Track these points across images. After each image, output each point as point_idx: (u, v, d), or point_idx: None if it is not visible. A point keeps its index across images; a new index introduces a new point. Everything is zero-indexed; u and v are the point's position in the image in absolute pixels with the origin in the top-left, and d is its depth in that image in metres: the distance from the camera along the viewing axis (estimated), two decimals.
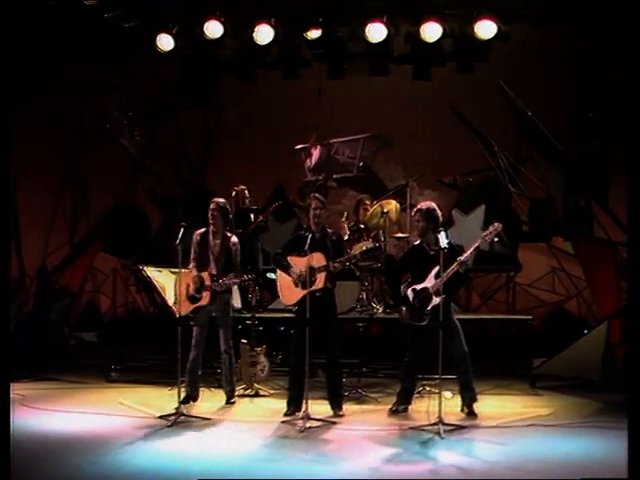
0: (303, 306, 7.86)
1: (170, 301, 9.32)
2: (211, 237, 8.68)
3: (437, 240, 7.89)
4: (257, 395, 9.21)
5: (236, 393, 9.00)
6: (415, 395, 8.61)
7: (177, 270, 8.55)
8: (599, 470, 6.28)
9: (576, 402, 8.90)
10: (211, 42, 10.93)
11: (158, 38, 10.94)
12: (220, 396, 8.99)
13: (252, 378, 9.29)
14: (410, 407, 8.42)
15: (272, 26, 10.74)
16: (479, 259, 10.71)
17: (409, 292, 8.08)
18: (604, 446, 7.07)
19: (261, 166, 12.46)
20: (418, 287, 8.05)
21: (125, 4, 10.64)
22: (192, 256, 8.66)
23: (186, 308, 8.56)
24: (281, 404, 8.42)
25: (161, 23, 10.96)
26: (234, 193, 10.55)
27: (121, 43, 11.22)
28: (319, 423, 7.80)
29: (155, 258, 10.96)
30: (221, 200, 8.75)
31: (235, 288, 10.88)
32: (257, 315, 9.86)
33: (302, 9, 10.70)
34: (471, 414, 8.14)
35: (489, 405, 8.63)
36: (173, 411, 8.00)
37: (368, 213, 10.79)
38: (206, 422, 7.98)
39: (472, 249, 7.95)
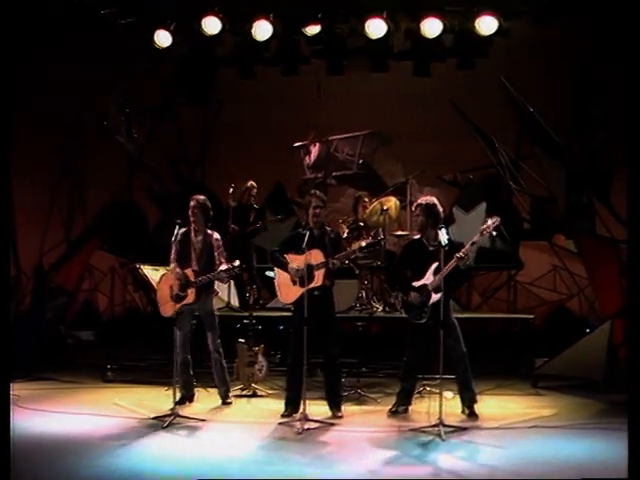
0: (301, 305, 7.64)
1: None
2: (193, 235, 8.46)
3: (437, 236, 7.70)
4: (255, 395, 8.99)
5: (233, 393, 8.82)
6: (415, 395, 8.40)
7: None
8: (603, 472, 6.09)
9: (579, 402, 8.70)
10: (209, 38, 10.78)
11: (156, 34, 10.78)
12: (217, 396, 8.76)
13: (250, 378, 9.06)
14: (410, 408, 8.20)
15: (270, 22, 10.58)
16: (480, 257, 10.54)
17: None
18: (608, 448, 6.86)
19: (260, 163, 12.30)
20: (417, 284, 7.82)
21: (122, 0, 10.49)
22: (172, 256, 8.44)
23: (172, 308, 8.34)
24: (279, 404, 8.20)
25: (158, 19, 10.80)
26: (231, 190, 10.36)
27: (118, 40, 11.05)
28: (317, 424, 7.59)
29: (152, 256, 10.73)
30: (201, 197, 8.55)
31: (233, 287, 10.79)
32: (255, 314, 9.64)
33: (301, 5, 10.57)
34: (472, 415, 7.92)
35: (490, 406, 8.41)
36: (168, 412, 7.79)
37: (367, 210, 10.56)
38: (202, 423, 7.76)
39: (470, 243, 7.75)
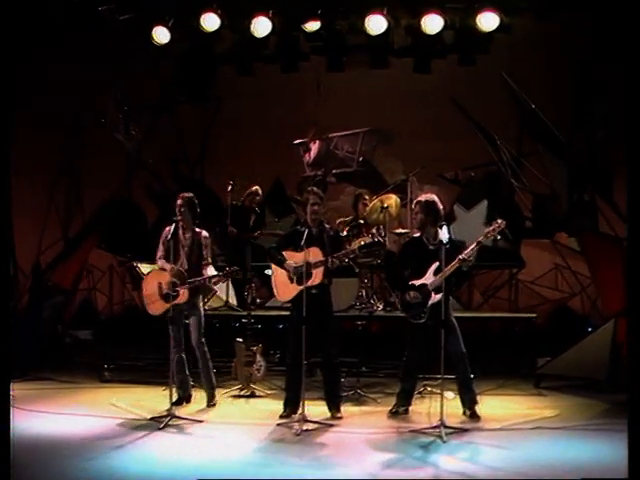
0: (299, 304, 7.46)
1: None
2: (181, 232, 8.23)
3: (437, 234, 7.54)
4: (253, 396, 8.78)
5: (230, 394, 8.69)
6: (416, 396, 8.20)
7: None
8: (607, 475, 5.91)
9: (582, 403, 8.50)
10: (208, 35, 10.66)
11: (154, 31, 10.67)
12: (216, 396, 8.59)
13: (248, 378, 8.85)
14: (410, 408, 8.00)
15: (270, 18, 10.47)
16: (481, 255, 10.31)
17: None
18: (612, 450, 6.65)
19: (259, 161, 12.11)
20: (416, 283, 7.61)
21: None
22: (159, 254, 8.26)
23: (161, 307, 8.16)
24: (278, 405, 8.01)
25: (157, 16, 10.68)
26: (229, 187, 10.18)
27: (116, 38, 10.90)
28: (316, 426, 7.40)
29: (151, 254, 10.50)
30: (188, 194, 8.33)
31: (231, 286, 10.59)
32: (254, 313, 9.45)
33: (300, 1, 10.44)
34: (473, 416, 7.71)
35: (492, 406, 8.21)
36: (165, 413, 7.63)
37: (368, 208, 10.33)
38: (199, 424, 7.57)
39: (474, 246, 7.54)
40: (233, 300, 10.53)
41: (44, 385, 9.36)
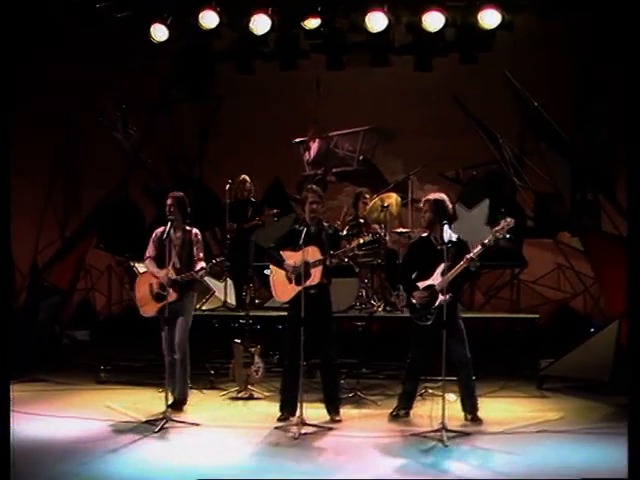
0: (297, 304, 7.19)
1: None
2: (172, 232, 7.95)
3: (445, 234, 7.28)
4: (251, 398, 8.51)
5: (228, 396, 8.43)
6: (417, 398, 7.92)
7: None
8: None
9: (586, 405, 8.24)
10: (206, 32, 10.49)
11: (152, 29, 10.49)
12: (213, 398, 8.44)
13: (246, 380, 8.59)
14: (412, 411, 7.71)
15: (269, 15, 10.29)
16: (483, 255, 10.06)
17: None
18: (616, 454, 6.36)
19: (259, 159, 11.85)
20: (423, 284, 7.33)
21: None
22: (148, 254, 8.02)
23: (153, 308, 7.93)
24: (276, 407, 7.72)
25: (155, 13, 10.49)
26: (228, 186, 9.94)
27: (114, 35, 10.70)
28: (314, 429, 7.14)
29: None
30: (177, 193, 8.07)
31: (230, 286, 10.35)
32: (253, 314, 9.21)
33: None
34: (475, 420, 7.45)
35: (495, 408, 7.96)
36: (161, 416, 7.36)
37: (368, 207, 10.07)
38: (195, 428, 7.32)
39: (482, 245, 7.26)
40: (232, 300, 10.26)
41: (39, 387, 9.10)
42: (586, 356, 8.81)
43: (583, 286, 11.52)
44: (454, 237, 7.35)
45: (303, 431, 7.00)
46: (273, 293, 7.80)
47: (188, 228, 8.02)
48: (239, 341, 8.71)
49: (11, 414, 7.21)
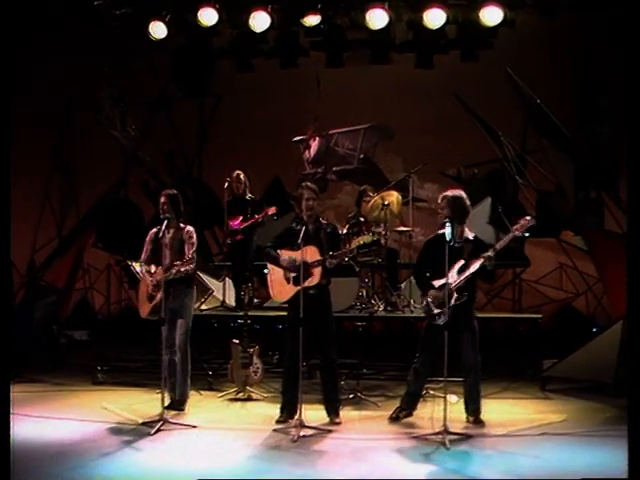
0: (296, 304, 6.97)
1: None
2: (166, 230, 7.71)
3: (463, 232, 7.10)
4: (250, 399, 8.29)
5: (226, 397, 8.23)
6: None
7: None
8: None
9: (589, 407, 8.00)
10: (205, 30, 10.39)
11: (151, 26, 10.39)
12: (211, 399, 8.21)
13: (244, 381, 8.37)
14: (414, 413, 7.48)
15: (268, 13, 10.19)
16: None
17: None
18: (621, 457, 6.11)
19: (258, 158, 11.67)
20: (439, 282, 7.07)
21: None
22: (142, 256, 7.84)
23: (147, 308, 7.74)
24: (275, 409, 7.50)
25: (154, 10, 10.39)
26: (226, 185, 9.74)
27: (113, 33, 10.53)
28: (313, 431, 6.92)
29: None
30: (171, 191, 7.87)
31: (229, 285, 10.13)
32: (253, 314, 9.01)
33: None
34: (478, 422, 7.22)
35: (497, 410, 7.73)
36: (157, 417, 7.14)
37: (368, 205, 9.82)
38: (192, 430, 7.09)
39: (502, 243, 7.05)
40: (231, 300, 10.04)
41: (35, 387, 8.85)
42: (590, 357, 8.58)
43: (586, 286, 11.36)
44: (470, 235, 7.15)
45: (302, 433, 6.78)
46: (270, 293, 7.59)
47: (182, 225, 7.81)
48: (237, 341, 8.49)
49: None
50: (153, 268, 7.74)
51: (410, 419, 7.39)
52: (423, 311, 7.27)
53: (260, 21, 10.15)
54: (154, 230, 7.78)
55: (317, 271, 7.14)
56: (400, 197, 9.94)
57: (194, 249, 7.70)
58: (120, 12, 10.40)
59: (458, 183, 11.54)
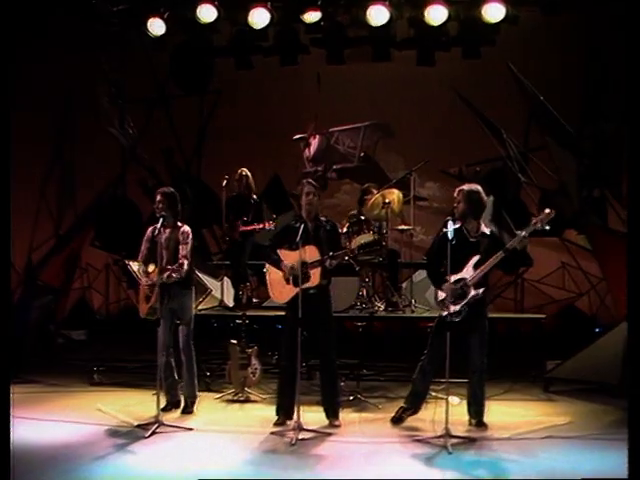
0: (295, 304, 6.70)
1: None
2: (162, 230, 7.49)
3: (479, 226, 6.87)
4: (248, 401, 8.01)
5: (223, 398, 7.98)
6: None
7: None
8: None
9: (594, 409, 7.73)
10: (204, 26, 10.22)
11: (149, 22, 10.21)
12: (208, 401, 7.91)
13: (242, 382, 8.10)
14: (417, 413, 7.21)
15: (268, 9, 10.01)
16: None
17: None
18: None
19: (258, 156, 11.37)
20: (454, 277, 6.75)
21: None
22: (140, 255, 7.58)
23: (144, 310, 7.50)
24: (273, 411, 7.21)
25: (152, 7, 10.22)
26: (225, 182, 9.48)
27: (110, 28, 10.32)
28: (312, 434, 6.66)
29: None
30: (167, 189, 7.61)
31: (228, 285, 9.88)
32: (252, 313, 8.75)
33: None
34: (480, 425, 6.95)
35: (500, 412, 7.47)
36: (152, 420, 6.89)
37: (369, 203, 9.53)
38: (187, 432, 6.84)
39: (521, 236, 6.81)
40: (229, 300, 9.78)
41: (31, 388, 8.55)
42: (594, 358, 8.31)
43: (588, 285, 11.14)
44: (487, 230, 6.91)
45: (300, 436, 6.53)
46: (270, 293, 7.32)
47: (179, 224, 7.56)
48: (235, 342, 8.23)
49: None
50: (151, 267, 7.49)
51: (411, 422, 7.11)
52: (438, 307, 6.98)
53: (259, 18, 9.98)
54: (151, 228, 7.52)
55: (317, 271, 6.88)
56: (401, 195, 9.66)
57: (187, 250, 7.43)
58: (118, 9, 10.24)
59: (459, 182, 11.31)
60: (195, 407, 7.57)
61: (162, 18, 10.13)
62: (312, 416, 7.01)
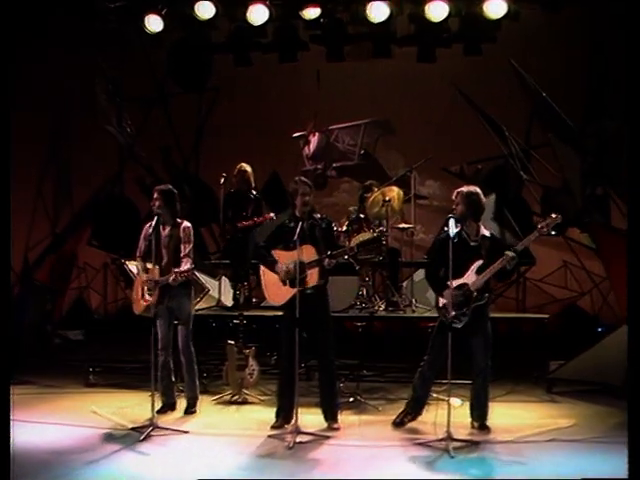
0: (292, 304, 6.46)
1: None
2: (161, 228, 7.26)
3: (479, 229, 6.60)
4: (245, 402, 7.75)
5: (220, 400, 7.74)
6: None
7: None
8: None
9: (599, 411, 7.47)
10: (203, 23, 10.09)
11: (146, 19, 10.07)
12: (205, 403, 7.64)
13: (240, 383, 7.85)
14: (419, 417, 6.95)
15: (266, 5, 9.88)
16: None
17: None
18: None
19: (257, 154, 11.02)
20: (456, 282, 6.49)
21: None
22: (138, 252, 7.34)
23: (140, 307, 7.26)
24: (271, 413, 6.97)
25: (150, 3, 10.08)
26: (222, 180, 9.25)
27: (108, 25, 10.12)
28: (310, 438, 6.41)
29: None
30: (164, 187, 7.37)
31: (226, 284, 9.65)
32: (250, 313, 8.53)
33: None
34: (483, 427, 6.70)
35: (503, 414, 7.20)
36: (147, 422, 6.66)
37: (369, 201, 9.28)
38: (183, 435, 6.60)
39: (525, 242, 6.66)
40: (227, 299, 9.53)
41: (25, 390, 8.25)
42: (598, 358, 8.06)
43: (590, 284, 10.93)
44: (487, 232, 6.65)
45: (298, 440, 6.29)
46: (265, 295, 7.02)
47: (179, 221, 7.31)
48: (232, 342, 7.98)
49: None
50: (149, 265, 7.24)
51: (413, 424, 6.86)
52: (439, 313, 6.72)
53: (258, 14, 9.83)
54: (147, 225, 7.28)
55: (314, 271, 6.62)
56: (401, 192, 9.42)
57: (190, 249, 7.21)
58: (115, 5, 10.05)
59: (461, 180, 11.08)
60: (197, 407, 7.37)
61: (160, 15, 10.01)
62: (311, 418, 6.79)
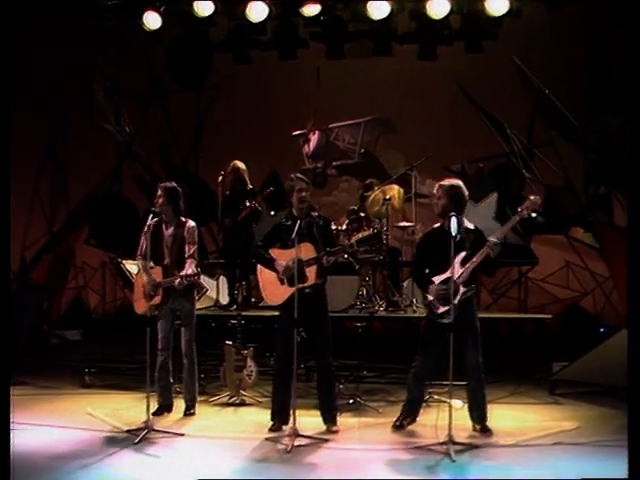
0: (290, 304, 6.27)
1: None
2: (164, 227, 7.09)
3: (462, 222, 6.38)
4: (243, 404, 7.56)
5: (219, 401, 7.57)
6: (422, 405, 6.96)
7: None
8: None
9: (603, 413, 7.27)
10: (201, 20, 9.94)
11: (145, 16, 9.92)
12: (202, 404, 7.47)
13: (238, 384, 7.66)
14: (417, 419, 6.74)
15: (266, 2, 9.74)
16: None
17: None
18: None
19: (256, 152, 10.91)
20: (441, 277, 6.34)
21: None
22: (139, 251, 7.13)
23: (143, 307, 7.03)
24: (269, 415, 6.74)
25: (147, 0, 9.93)
26: (220, 178, 9.07)
27: (106, 22, 9.95)
28: (308, 441, 6.22)
29: None
30: (169, 184, 7.17)
31: (224, 283, 9.47)
32: (250, 313, 8.36)
33: None
34: (485, 430, 6.50)
35: (505, 417, 7.03)
36: (142, 425, 6.45)
37: (369, 200, 9.10)
38: (179, 438, 6.41)
39: (506, 227, 6.52)
40: (223, 298, 9.34)
41: (20, 391, 7.92)
42: (601, 359, 7.86)
43: (593, 284, 10.77)
44: (471, 225, 6.46)
45: (296, 443, 6.09)
46: (263, 294, 6.84)
47: (183, 220, 7.13)
48: (230, 343, 7.79)
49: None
50: (151, 264, 7.04)
51: (413, 427, 6.66)
52: (426, 310, 6.56)
53: (258, 11, 9.70)
54: (153, 223, 7.03)
55: (313, 270, 6.43)
56: (402, 191, 9.24)
57: (194, 249, 7.05)
58: (113, 2, 9.89)
59: (462, 178, 10.91)
60: (195, 410, 7.20)
61: (158, 12, 9.85)
62: (309, 421, 6.60)
